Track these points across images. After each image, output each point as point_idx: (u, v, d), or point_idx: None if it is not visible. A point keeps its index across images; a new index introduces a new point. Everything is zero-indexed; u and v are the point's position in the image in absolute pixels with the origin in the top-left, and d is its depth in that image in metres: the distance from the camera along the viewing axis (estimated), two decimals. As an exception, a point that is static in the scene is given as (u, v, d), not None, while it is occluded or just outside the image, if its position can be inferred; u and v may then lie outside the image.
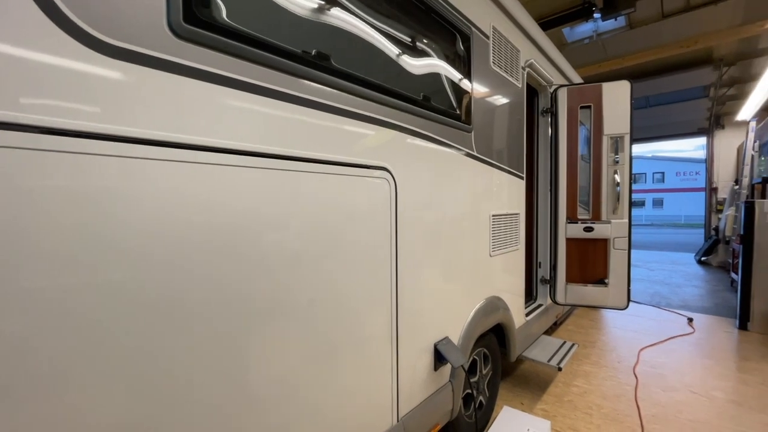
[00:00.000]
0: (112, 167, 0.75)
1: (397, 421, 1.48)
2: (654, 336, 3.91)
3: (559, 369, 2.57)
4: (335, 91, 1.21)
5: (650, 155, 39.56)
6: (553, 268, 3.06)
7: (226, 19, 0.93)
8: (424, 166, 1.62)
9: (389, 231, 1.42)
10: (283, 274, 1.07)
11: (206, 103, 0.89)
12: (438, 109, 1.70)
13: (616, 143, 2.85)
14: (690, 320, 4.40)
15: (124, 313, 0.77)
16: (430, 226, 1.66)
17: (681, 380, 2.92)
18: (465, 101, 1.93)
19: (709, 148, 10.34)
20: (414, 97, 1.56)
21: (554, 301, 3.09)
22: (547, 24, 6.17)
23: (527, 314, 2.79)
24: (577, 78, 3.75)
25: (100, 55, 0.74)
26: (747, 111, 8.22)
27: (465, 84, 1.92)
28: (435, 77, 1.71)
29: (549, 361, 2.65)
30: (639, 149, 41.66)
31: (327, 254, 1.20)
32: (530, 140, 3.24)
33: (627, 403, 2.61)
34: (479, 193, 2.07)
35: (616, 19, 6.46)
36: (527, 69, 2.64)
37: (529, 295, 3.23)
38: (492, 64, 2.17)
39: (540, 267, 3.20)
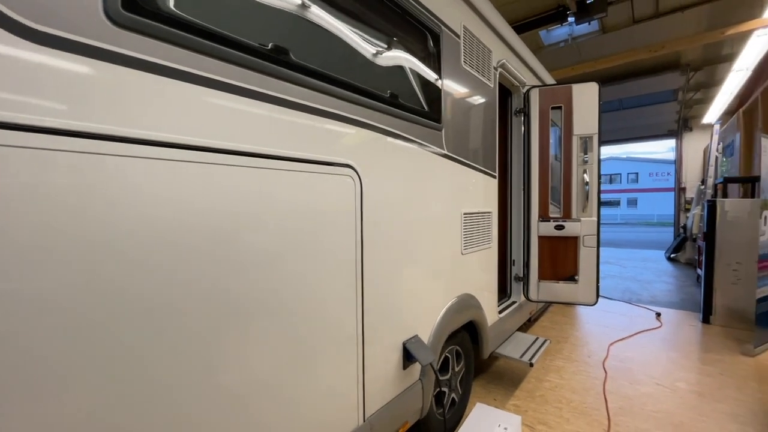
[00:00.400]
0: (44, 161, 0.70)
1: (364, 420, 1.46)
2: (624, 331, 4.04)
3: (531, 365, 2.61)
4: (295, 86, 1.19)
5: (625, 156, 40.99)
6: (526, 265, 3.11)
7: (171, 7, 0.89)
8: (391, 163, 1.61)
9: (354, 229, 1.40)
10: (243, 273, 1.04)
11: (152, 95, 0.85)
12: (406, 107, 1.70)
13: (586, 143, 2.92)
14: (658, 315, 4.56)
15: (90, 311, 0.73)
16: (398, 224, 1.65)
17: (647, 373, 3.03)
18: (435, 99, 1.93)
19: (678, 149, 10.78)
20: (380, 94, 1.55)
21: (527, 298, 3.14)
22: (524, 26, 6.30)
23: (500, 311, 2.83)
24: (550, 80, 3.83)
25: (27, 42, 0.70)
26: (712, 114, 8.61)
27: (435, 82, 1.93)
28: (403, 75, 1.71)
29: (521, 357, 2.69)
30: (614, 150, 43.09)
31: (288, 252, 1.18)
32: (504, 140, 3.28)
33: (595, 396, 2.68)
34: (450, 191, 2.08)
35: (589, 23, 6.65)
36: (499, 69, 2.67)
37: (504, 293, 3.28)
38: (463, 63, 2.18)
39: (514, 265, 3.25)
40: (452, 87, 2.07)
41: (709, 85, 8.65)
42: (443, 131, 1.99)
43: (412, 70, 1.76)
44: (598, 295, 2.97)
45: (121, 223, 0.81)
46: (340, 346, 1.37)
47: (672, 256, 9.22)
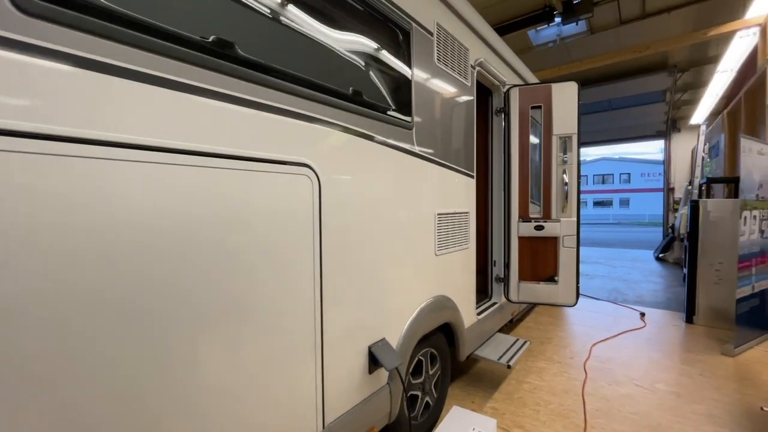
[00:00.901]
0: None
1: (323, 428, 1.42)
2: (607, 331, 4.03)
3: (509, 367, 2.58)
4: (243, 82, 1.14)
5: (618, 157, 41.37)
6: (507, 266, 3.08)
7: (93, -4, 0.84)
8: (355, 162, 1.57)
9: (312, 230, 1.36)
10: (188, 276, 0.99)
11: (75, 89, 0.80)
12: (371, 105, 1.65)
13: (565, 143, 2.90)
14: (642, 315, 4.57)
15: (40, 311, 0.67)
16: (363, 226, 1.61)
17: (627, 374, 3.01)
18: (405, 98, 1.89)
19: (667, 150, 10.87)
20: (342, 91, 1.51)
21: (508, 299, 3.11)
22: (512, 26, 6.30)
23: (480, 313, 2.80)
24: (533, 79, 3.81)
25: None
26: (699, 115, 8.68)
27: (405, 80, 1.89)
28: (368, 72, 1.66)
29: (500, 359, 2.66)
30: (607, 151, 43.48)
31: (238, 254, 1.13)
32: (484, 140, 3.26)
33: (574, 398, 2.66)
34: (422, 191, 2.04)
35: (577, 24, 6.66)
36: (477, 68, 2.64)
37: (484, 294, 3.26)
38: (437, 61, 2.14)
39: (495, 266, 3.22)
40: (424, 85, 2.04)
41: (696, 86, 8.73)
42: (414, 130, 1.95)
43: (379, 67, 1.72)
44: (578, 296, 2.95)
45: (49, 226, 0.75)
46: (295, 353, 1.32)
47: (660, 255, 9.28)
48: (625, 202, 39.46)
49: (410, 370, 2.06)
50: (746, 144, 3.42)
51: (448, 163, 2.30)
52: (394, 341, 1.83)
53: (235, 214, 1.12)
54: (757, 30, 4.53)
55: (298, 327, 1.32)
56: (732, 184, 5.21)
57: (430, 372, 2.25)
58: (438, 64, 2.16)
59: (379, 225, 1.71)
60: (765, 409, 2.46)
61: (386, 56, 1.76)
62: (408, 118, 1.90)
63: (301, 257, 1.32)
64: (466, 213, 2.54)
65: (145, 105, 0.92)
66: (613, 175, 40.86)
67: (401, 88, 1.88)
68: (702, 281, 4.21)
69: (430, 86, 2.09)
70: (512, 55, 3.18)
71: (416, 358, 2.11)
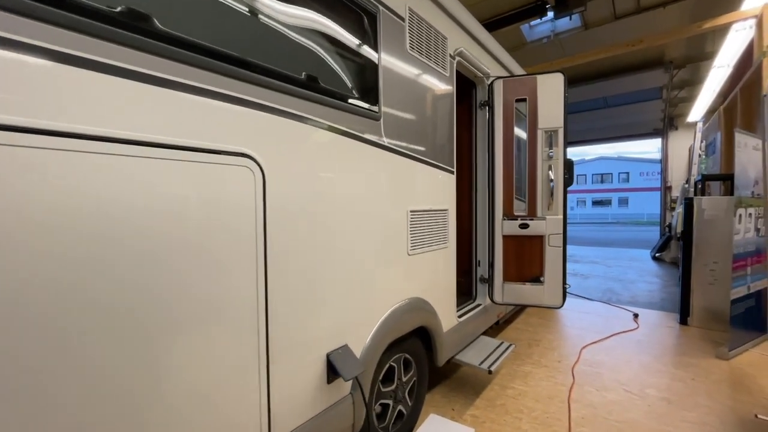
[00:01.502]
0: None
1: (269, 445, 1.29)
2: (598, 333, 3.91)
3: (490, 372, 2.45)
4: (166, 61, 1.01)
5: (616, 156, 41.26)
6: (491, 266, 2.96)
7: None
8: (310, 154, 1.44)
9: (253, 228, 1.23)
10: (110, 279, 0.86)
11: None
12: (329, 92, 1.52)
13: (551, 138, 2.77)
14: (635, 316, 4.44)
15: None
16: (318, 224, 1.48)
17: (617, 379, 2.88)
18: (371, 86, 1.77)
19: (664, 148, 10.75)
20: (293, 75, 1.38)
21: (492, 301, 2.99)
22: (504, 21, 6.17)
23: (461, 315, 2.67)
24: (520, 71, 3.68)
25: None
26: (696, 112, 8.56)
27: (371, 67, 1.76)
28: (326, 56, 1.53)
29: (481, 363, 2.54)
30: (605, 150, 43.33)
31: (166, 254, 1.00)
32: (468, 135, 3.13)
33: (559, 404, 2.53)
34: (392, 187, 1.91)
35: (570, 18, 6.54)
36: (457, 58, 2.51)
37: (468, 295, 3.13)
38: (409, 48, 2.01)
39: (479, 265, 3.09)
40: (394, 73, 1.90)
41: (693, 83, 8.60)
42: (382, 121, 1.82)
43: (340, 52, 1.59)
44: (564, 297, 2.83)
45: None
46: (234, 362, 1.19)
47: (657, 255, 9.16)
48: (623, 201, 39.35)
49: (380, 378, 1.93)
50: (741, 139, 3.29)
51: (423, 158, 2.17)
52: (359, 347, 1.71)
53: (163, 209, 0.99)
54: (753, 22, 4.40)
55: (236, 334, 1.19)
56: (727, 181, 5.08)
57: (404, 379, 2.13)
58: (411, 52, 2.03)
59: (340, 222, 1.58)
60: (760, 416, 2.33)
61: (348, 40, 1.63)
62: (375, 108, 1.77)
63: (240, 257, 1.19)
64: (445, 210, 2.41)
65: (46, 85, 0.79)
66: (611, 174, 40.74)
67: (367, 75, 1.75)
68: (696, 281, 4.08)
69: (402, 75, 1.96)
70: (497, 46, 3.05)
71: (387, 365, 1.98)
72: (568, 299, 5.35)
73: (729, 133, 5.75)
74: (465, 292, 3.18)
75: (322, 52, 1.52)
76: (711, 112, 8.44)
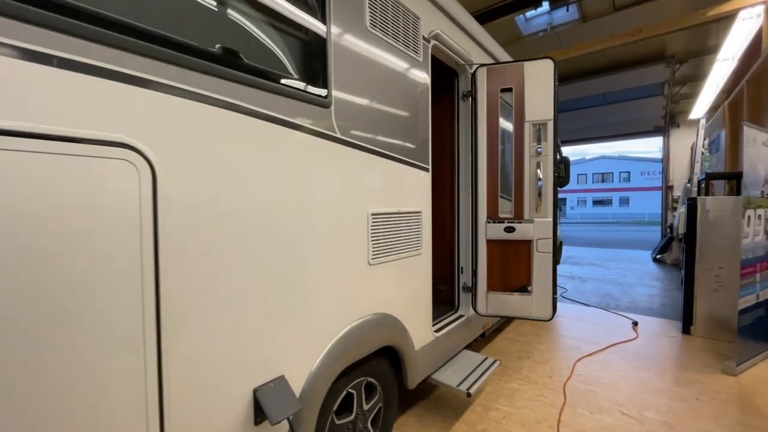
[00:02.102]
0: None
1: None
2: (594, 343, 3.63)
3: (468, 395, 2.18)
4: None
5: (617, 155, 40.94)
6: (474, 274, 2.68)
7: None
8: (229, 147, 1.16)
9: (139, 235, 0.96)
10: None
11: None
12: (257, 71, 1.25)
13: (539, 131, 2.49)
14: (635, 324, 4.16)
15: None
16: (242, 233, 1.21)
17: (613, 398, 2.61)
18: (318, 66, 1.49)
19: (666, 146, 10.45)
20: (200, 47, 1.10)
21: (476, 312, 2.71)
22: (498, 11, 5.89)
23: (438, 329, 2.39)
24: (507, 59, 3.40)
25: None
26: (699, 109, 8.26)
27: (317, 43, 1.48)
28: (251, 25, 1.26)
29: (460, 384, 2.26)
30: (606, 149, 42.97)
31: (20, 271, 0.73)
32: (450, 129, 2.85)
33: (548, 430, 2.26)
34: (346, 186, 1.63)
35: (567, 10, 6.25)
36: (433, 41, 2.23)
37: (450, 305, 2.85)
38: (369, 26, 1.74)
39: (462, 273, 2.82)
40: (350, 53, 1.63)
41: (696, 79, 8.31)
42: (334, 109, 1.54)
43: (270, 21, 1.31)
44: (554, 309, 2.55)
45: None
46: (114, 410, 0.92)
47: (658, 257, 8.87)
48: (624, 201, 39.01)
49: (334, 409, 1.65)
50: (750, 133, 3.00)
51: (390, 153, 1.89)
52: (302, 377, 1.43)
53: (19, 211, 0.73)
54: (761, 9, 4.11)
55: (121, 368, 0.92)
56: (734, 180, 4.80)
57: (365, 407, 1.85)
58: (372, 30, 1.75)
59: (272, 231, 1.31)
60: (773, 446, 2.06)
61: (283, 7, 1.35)
62: (322, 93, 1.49)
63: (119, 275, 0.92)
64: (418, 213, 2.13)
65: None
66: (612, 173, 40.40)
67: (311, 53, 1.47)
68: (700, 287, 3.80)
69: (360, 56, 1.69)
70: (481, 30, 2.77)
71: (344, 392, 1.71)
72: (563, 305, 5.10)
73: (734, 130, 5.47)
74: (447, 302, 2.90)
75: (246, 20, 1.24)
76: (714, 109, 8.15)
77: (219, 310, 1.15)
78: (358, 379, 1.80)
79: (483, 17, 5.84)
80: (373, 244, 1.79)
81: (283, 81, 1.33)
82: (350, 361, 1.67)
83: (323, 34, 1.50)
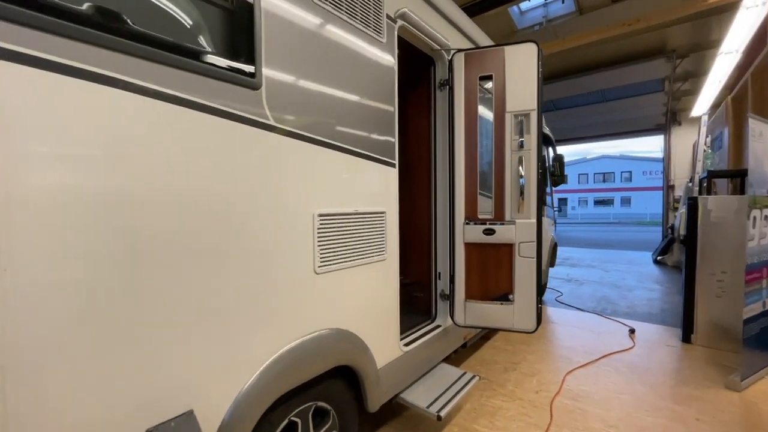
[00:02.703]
0: None
1: None
2: (587, 353, 3.38)
3: (439, 418, 1.94)
4: None
5: (618, 154, 40.60)
6: (452, 280, 2.44)
7: None
8: (109, 129, 0.93)
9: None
10: None
11: None
12: (149, 39, 1.01)
13: (522, 123, 2.25)
14: (632, 332, 3.91)
15: None
16: (124, 233, 0.97)
17: (603, 418, 2.36)
18: (242, 40, 1.26)
19: (667, 145, 10.18)
20: (64, 7, 0.87)
21: (454, 322, 2.47)
22: (491, 1, 5.65)
23: (408, 343, 2.15)
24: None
25: None
26: (701, 106, 7.99)
27: (242, 10, 1.25)
28: (144, -16, 1.02)
29: (430, 405, 2.03)
30: (608, 149, 42.59)
31: None
32: (427, 121, 2.62)
33: (529, 457, 2.02)
34: (284, 183, 1.40)
35: (563, 1, 6.02)
36: (400, 22, 1.99)
37: (427, 314, 2.61)
38: (316, -3, 1.50)
39: (440, 279, 2.58)
40: (287, 27, 1.39)
41: (698, 74, 8.04)
42: (265, 91, 1.31)
43: (172, -19, 1.08)
44: (539, 320, 2.30)
45: None
46: None
47: (659, 258, 8.60)
48: (626, 201, 38.65)
49: (273, 441, 1.42)
50: (756, 127, 2.75)
51: (344, 146, 1.65)
52: (220, 409, 1.20)
53: None
54: (767, -3, 3.86)
55: None
56: (738, 178, 4.54)
57: (314, 436, 1.61)
58: (319, 3, 1.51)
59: (173, 234, 1.07)
60: (783, 479, 1.81)
61: (192, -33, 1.12)
62: (249, 69, 1.26)
63: None
64: (381, 213, 1.90)
65: None
66: (614, 173, 40.04)
67: (232, 21, 1.24)
68: (702, 293, 3.55)
69: (302, 32, 1.45)
70: (458, 12, 2.52)
71: (286, 420, 1.48)
72: (557, 310, 4.84)
73: (738, 125, 5.21)
74: (425, 311, 2.66)
75: (135, -24, 1.01)
76: (716, 106, 7.88)
77: (94, 330, 0.91)
78: (304, 405, 1.56)
79: (475, 8, 5.61)
80: (321, 249, 1.55)
81: (188, 52, 1.10)
82: (290, 386, 1.43)
83: (250, 4, 1.26)
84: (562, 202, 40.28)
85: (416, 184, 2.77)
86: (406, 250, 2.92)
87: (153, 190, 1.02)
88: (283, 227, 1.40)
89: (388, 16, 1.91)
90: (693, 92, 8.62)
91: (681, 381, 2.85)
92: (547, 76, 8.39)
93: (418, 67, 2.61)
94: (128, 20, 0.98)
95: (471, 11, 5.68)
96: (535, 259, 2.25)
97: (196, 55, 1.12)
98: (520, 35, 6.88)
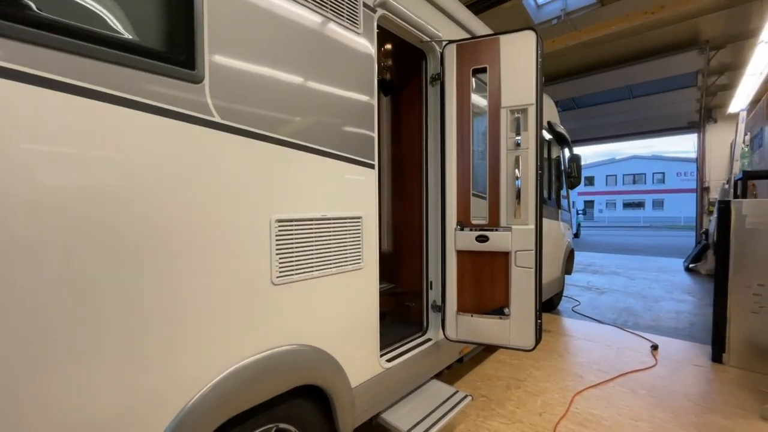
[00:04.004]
0: None
1: None
2: (601, 371, 3.09)
3: (419, 446, 1.76)
4: None
5: (650, 155, 38.65)
6: (443, 290, 2.25)
7: None
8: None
9: None
10: None
11: None
12: (59, 27, 0.91)
13: (518, 120, 2.04)
14: (654, 348, 3.57)
15: None
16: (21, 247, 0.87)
17: (613, 449, 2.11)
18: (180, 29, 1.14)
19: (701, 143, 9.49)
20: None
21: (445, 336, 2.28)
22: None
23: (391, 359, 1.98)
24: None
25: None
26: (739, 102, 7.38)
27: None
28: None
29: (413, 428, 1.85)
30: (639, 149, 40.54)
31: None
32: (419, 119, 2.44)
33: (522, 492, 1.80)
34: (232, 185, 1.27)
35: (581, -7, 5.69)
36: (380, 10, 1.84)
37: (418, 326, 2.43)
38: (274, -18, 1.37)
39: (432, 288, 2.39)
40: (236, 13, 1.27)
41: (735, 67, 7.41)
42: (208, 84, 1.19)
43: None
44: (538, 337, 2.08)
45: None
46: None
47: (691, 266, 7.99)
48: (658, 204, 36.68)
49: (219, 470, 1.29)
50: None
51: (308, 145, 1.52)
52: (158, 430, 1.08)
53: None
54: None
55: None
56: (779, 180, 4.09)
57: (272, 463, 1.48)
58: (278, -12, 1.38)
59: (103, 240, 0.96)
60: None
61: (116, -53, 1.01)
62: (190, 62, 1.14)
63: None
64: (357, 218, 1.74)
65: None
66: (645, 174, 38.10)
67: (168, 6, 1.12)
68: (735, 307, 3.19)
69: (255, 18, 1.32)
70: (453, 1, 2.34)
71: (239, 447, 1.35)
72: (573, 322, 4.52)
73: (780, 122, 4.71)
74: (416, 322, 2.49)
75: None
76: (756, 101, 7.24)
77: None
78: (263, 427, 1.43)
79: (486, 2, 5.38)
80: (281, 258, 1.42)
81: (106, 39, 0.98)
82: (244, 407, 1.30)
83: (189, -13, 1.15)
84: (589, 204, 38.73)
85: (407, 185, 2.60)
86: (397, 256, 2.76)
87: (70, 194, 0.91)
88: (233, 234, 1.27)
89: (365, 5, 1.76)
90: (730, 86, 7.97)
91: (709, 407, 2.53)
92: (567, 73, 7.99)
93: (409, 61, 2.45)
94: (31, 5, 0.88)
95: (484, 5, 5.45)
96: (533, 270, 2.03)
97: (117, 44, 1.01)
98: (538, 30, 6.57)
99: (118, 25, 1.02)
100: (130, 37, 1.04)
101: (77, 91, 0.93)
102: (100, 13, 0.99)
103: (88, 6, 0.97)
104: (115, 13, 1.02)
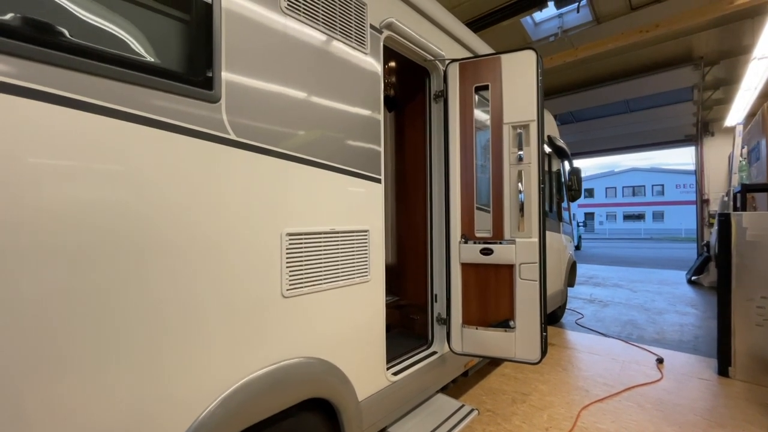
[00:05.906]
0: None
1: None
2: (607, 385, 3.07)
3: (425, 461, 1.75)
4: None
5: (649, 167, 38.89)
6: (449, 303, 2.27)
7: None
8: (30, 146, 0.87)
9: None
10: None
11: None
12: (80, 50, 0.96)
13: (520, 136, 2.10)
14: (660, 361, 3.55)
15: None
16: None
17: (621, 464, 2.09)
18: (201, 50, 1.20)
19: (699, 156, 9.59)
20: (-19, 14, 0.83)
21: (450, 349, 2.28)
22: (501, 13, 5.57)
23: (397, 372, 1.99)
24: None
25: None
26: (735, 115, 7.50)
27: (197, 19, 1.20)
28: (84, -5, 0.98)
29: (419, 444, 1.84)
30: (636, 161, 40.79)
31: None
32: (423, 135, 2.50)
33: None
34: (246, 200, 1.31)
35: (578, 11, 5.84)
36: (386, 32, 1.91)
37: (424, 338, 2.43)
38: (284, 8, 1.44)
39: (437, 301, 2.41)
40: (252, 37, 1.33)
41: (730, 82, 7.57)
42: (224, 103, 1.24)
43: (118, -8, 1.03)
44: (544, 350, 2.08)
45: None
46: None
47: (693, 278, 7.98)
48: (658, 216, 36.72)
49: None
50: (793, 136, 2.46)
51: (319, 161, 1.56)
52: (162, 450, 1.09)
53: None
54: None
55: None
56: (777, 193, 4.13)
57: (280, 478, 1.47)
58: (288, 12, 1.45)
59: (121, 252, 1.00)
60: None
61: (142, -22, 1.07)
62: (207, 83, 1.19)
63: None
64: (364, 232, 1.78)
65: None
66: (644, 186, 38.27)
67: (192, 32, 1.18)
68: (739, 320, 3.19)
69: (269, 43, 1.39)
70: (453, 20, 2.42)
71: (247, 461, 1.34)
72: (577, 335, 4.50)
73: (776, 135, 4.79)
74: (421, 335, 2.49)
75: (73, -13, 0.97)
76: (752, 115, 7.36)
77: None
78: (269, 443, 1.43)
79: (485, 21, 5.53)
80: (291, 270, 1.44)
81: (131, 62, 1.04)
82: (254, 420, 1.31)
83: (209, 14, 1.21)
84: (589, 216, 38.77)
85: (412, 199, 2.64)
86: (401, 269, 2.78)
87: (92, 208, 0.95)
88: (246, 248, 1.30)
89: (372, 26, 1.84)
90: (726, 101, 8.12)
91: (716, 422, 2.51)
92: (565, 88, 8.15)
93: (413, 78, 2.53)
94: (61, 31, 0.93)
95: (481, 24, 5.61)
96: (538, 282, 2.06)
97: (143, 67, 1.06)
98: (534, 47, 6.73)
99: (142, 50, 1.08)
100: (154, 60, 1.10)
101: (107, 113, 0.98)
102: (129, 41, 1.05)
103: (117, 34, 1.03)
104: (140, 40, 1.07)
